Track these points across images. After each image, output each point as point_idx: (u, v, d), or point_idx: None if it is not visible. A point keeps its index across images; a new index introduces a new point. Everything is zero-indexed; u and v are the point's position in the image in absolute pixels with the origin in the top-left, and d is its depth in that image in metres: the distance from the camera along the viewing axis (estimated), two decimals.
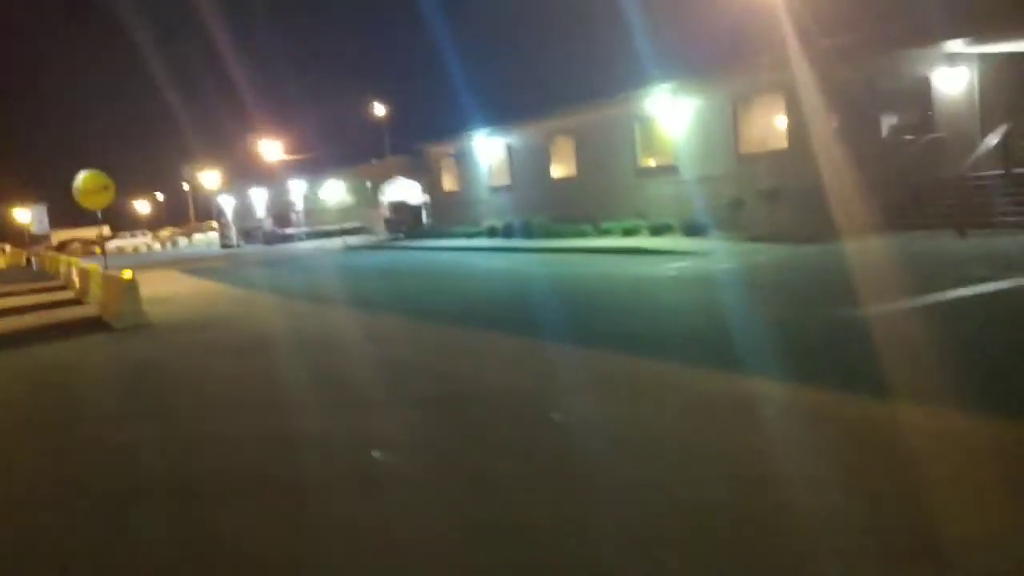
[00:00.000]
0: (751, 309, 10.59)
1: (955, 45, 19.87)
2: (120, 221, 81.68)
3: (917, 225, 18.07)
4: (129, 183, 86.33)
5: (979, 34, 19.07)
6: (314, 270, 24.59)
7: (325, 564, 4.09)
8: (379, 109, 51.18)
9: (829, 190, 18.37)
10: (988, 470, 4.58)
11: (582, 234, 25.03)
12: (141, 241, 66.24)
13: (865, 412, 5.76)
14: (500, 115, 34.06)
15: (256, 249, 42.79)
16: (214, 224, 69.11)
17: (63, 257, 30.82)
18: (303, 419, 6.98)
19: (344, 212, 47.64)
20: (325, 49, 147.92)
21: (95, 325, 14.56)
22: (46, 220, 28.41)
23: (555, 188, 28.77)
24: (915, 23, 19.33)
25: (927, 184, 19.65)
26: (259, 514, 4.87)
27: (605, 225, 24.66)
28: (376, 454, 5.71)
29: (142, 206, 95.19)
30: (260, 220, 52.73)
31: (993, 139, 19.14)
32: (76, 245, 58.27)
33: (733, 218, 20.59)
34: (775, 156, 20.11)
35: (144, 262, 40.75)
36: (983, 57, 20.77)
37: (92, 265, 19.55)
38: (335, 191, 49.75)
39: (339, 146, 75.16)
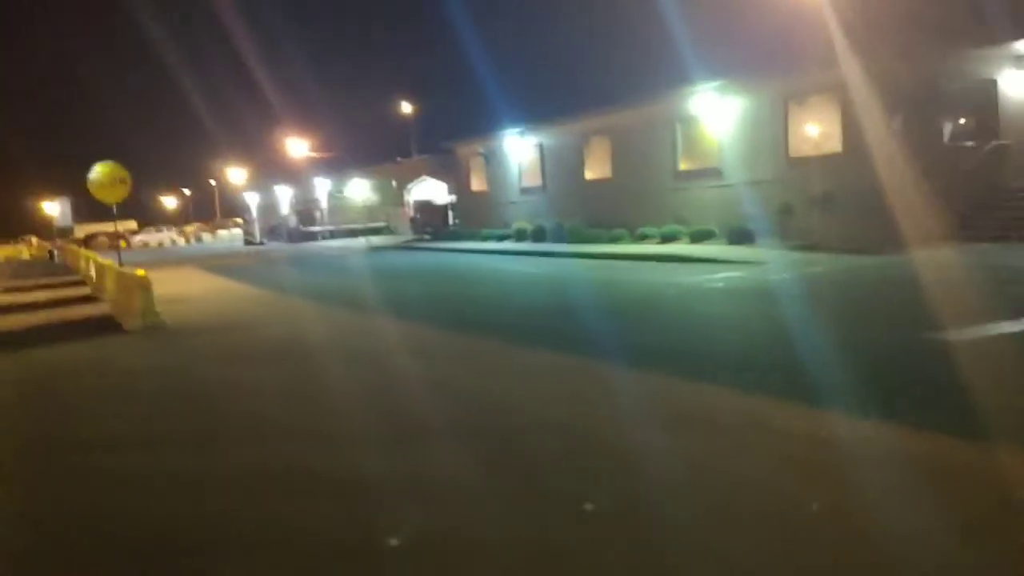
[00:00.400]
0: (820, 328, 9.47)
1: None
2: (146, 215, 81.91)
3: (982, 236, 16.83)
4: (156, 178, 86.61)
5: None
6: (340, 271, 23.69)
7: None
8: (406, 107, 50.40)
9: (887, 197, 17.14)
10: None
11: (618, 239, 23.95)
12: (166, 236, 65.93)
13: (990, 463, 4.70)
14: (533, 114, 33.11)
15: (280, 246, 42.09)
16: (239, 220, 68.76)
17: (82, 251, 30.20)
18: (327, 455, 5.99)
19: (369, 211, 46.84)
20: (353, 47, 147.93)
21: (105, 326, 13.72)
22: (70, 213, 27.90)
23: (589, 190, 27.68)
24: (981, 21, 18.09)
25: (991, 193, 18.39)
26: None
27: (642, 230, 23.57)
28: (393, 542, 4.59)
29: (168, 201, 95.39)
30: (284, 217, 52.14)
31: None
32: (102, 239, 57.95)
33: (782, 225, 19.39)
34: (828, 160, 18.88)
35: (166, 258, 40.23)
36: None
37: (108, 261, 18.79)
38: (360, 190, 49.00)
39: (365, 144, 74.68)
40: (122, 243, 60.57)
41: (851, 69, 18.08)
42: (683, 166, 23.91)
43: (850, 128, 18.50)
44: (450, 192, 41.60)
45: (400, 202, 43.79)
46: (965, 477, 4.60)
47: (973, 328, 8.59)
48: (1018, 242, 15.78)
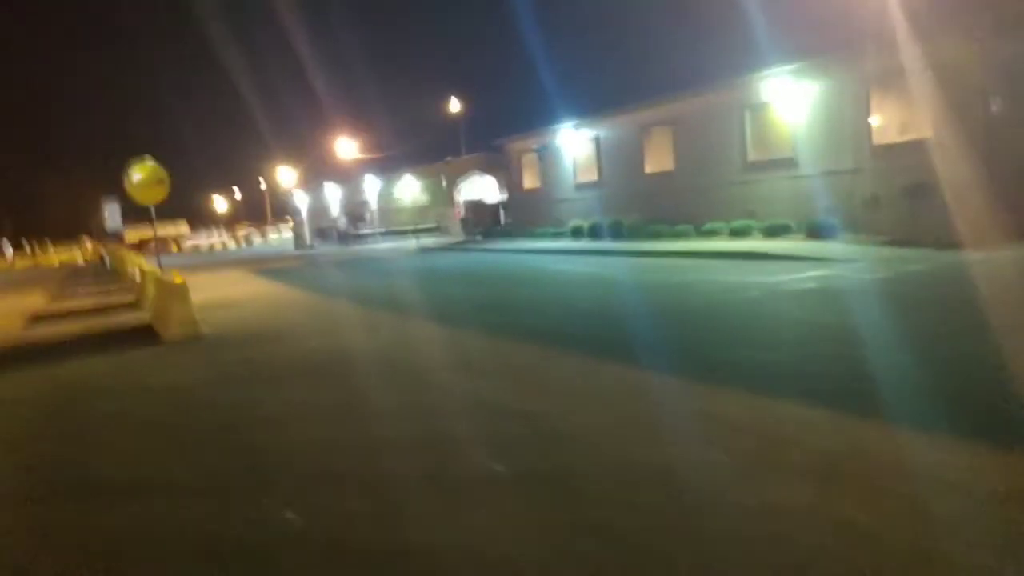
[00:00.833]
0: (943, 340, 8.00)
1: None
2: (198, 218, 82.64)
3: None
4: (207, 179, 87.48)
5: None
6: (391, 274, 22.66)
7: None
8: (455, 105, 49.42)
9: (986, 186, 15.40)
10: None
11: (682, 235, 22.49)
12: (217, 239, 66.11)
13: None
14: (588, 105, 31.87)
15: (330, 249, 41.42)
16: (289, 222, 68.67)
17: (128, 255, 29.84)
18: (374, 520, 4.84)
19: (419, 211, 45.95)
20: (402, 45, 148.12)
21: (143, 336, 12.87)
22: (119, 216, 27.59)
23: (649, 184, 26.22)
24: None
25: None
26: None
27: (708, 226, 22.05)
28: None
29: (219, 202, 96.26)
30: (334, 219, 51.61)
31: None
32: (157, 242, 58.08)
33: (867, 218, 17.72)
34: (917, 147, 17.15)
35: (216, 261, 39.96)
36: None
37: (150, 267, 18.08)
38: (409, 190, 48.17)
39: (414, 144, 73.97)
40: (174, 247, 60.99)
41: (943, 47, 16.38)
42: (753, 156, 22.32)
43: (943, 112, 16.75)
44: (501, 190, 40.44)
45: (450, 202, 42.79)
46: None
47: None
48: None
